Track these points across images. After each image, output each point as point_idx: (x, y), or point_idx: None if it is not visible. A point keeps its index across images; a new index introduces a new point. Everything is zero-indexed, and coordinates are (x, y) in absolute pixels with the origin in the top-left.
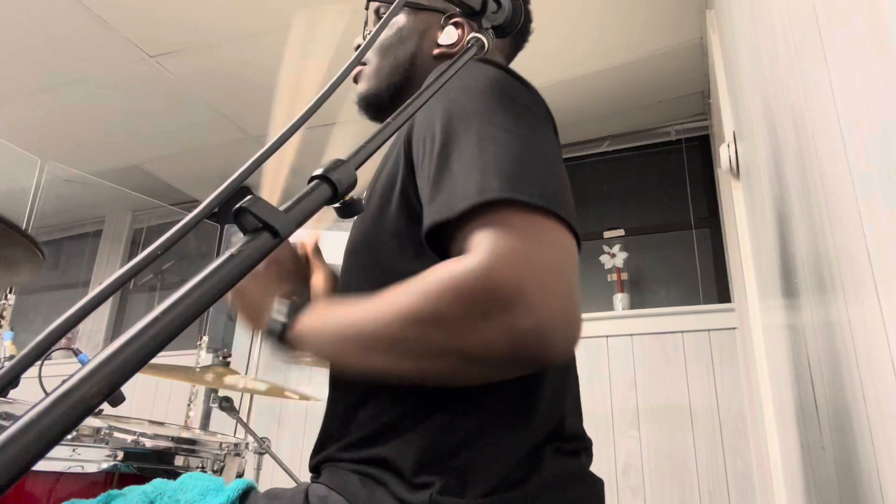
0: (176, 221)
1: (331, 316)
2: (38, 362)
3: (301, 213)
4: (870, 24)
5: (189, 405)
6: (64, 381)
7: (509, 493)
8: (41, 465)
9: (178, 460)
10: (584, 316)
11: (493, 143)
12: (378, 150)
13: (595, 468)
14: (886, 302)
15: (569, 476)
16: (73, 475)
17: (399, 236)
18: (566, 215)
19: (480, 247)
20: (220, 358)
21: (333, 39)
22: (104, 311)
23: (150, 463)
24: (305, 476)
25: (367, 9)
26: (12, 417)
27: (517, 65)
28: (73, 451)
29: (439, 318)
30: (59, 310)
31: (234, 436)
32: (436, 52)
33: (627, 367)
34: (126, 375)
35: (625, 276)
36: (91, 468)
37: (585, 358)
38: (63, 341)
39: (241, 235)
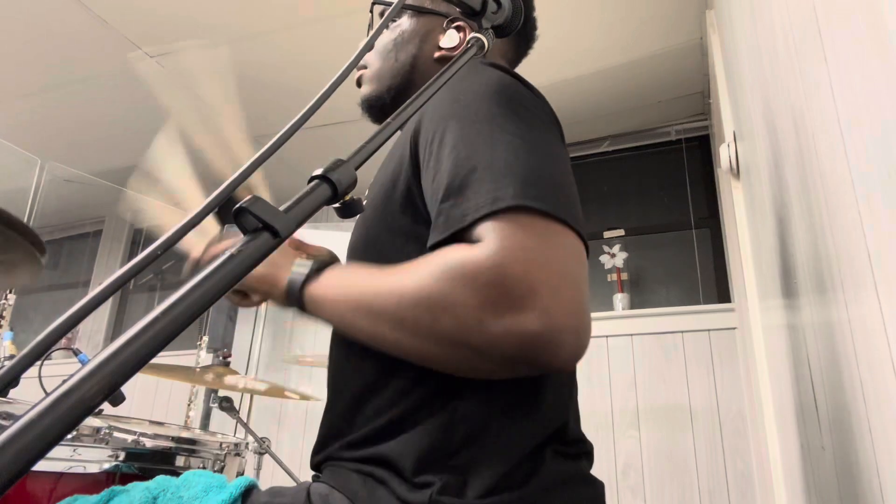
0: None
1: (348, 280)
2: (38, 362)
3: (301, 213)
4: (870, 24)
5: (189, 405)
6: (64, 381)
7: (509, 493)
8: (43, 465)
9: (180, 460)
10: None
11: (503, 150)
12: (378, 149)
13: (595, 468)
14: (886, 302)
15: (569, 478)
16: (74, 475)
17: (403, 234)
18: (575, 223)
19: (492, 238)
20: (220, 358)
21: (216, 72)
22: (104, 311)
23: (151, 463)
24: (305, 476)
25: (371, 11)
26: (12, 417)
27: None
28: (74, 451)
29: (449, 305)
30: (59, 310)
31: (234, 436)
32: (437, 55)
33: (627, 367)
34: (126, 375)
35: (625, 276)
36: (93, 468)
37: (585, 358)
38: (63, 341)
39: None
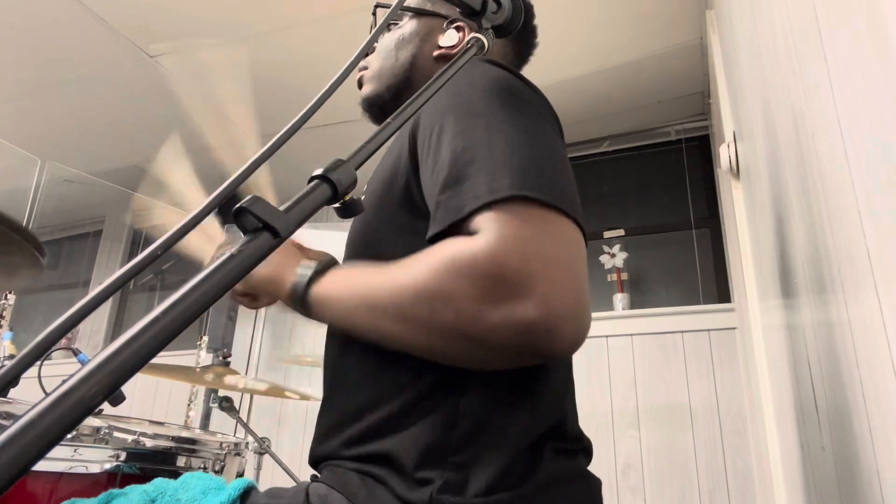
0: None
1: (351, 280)
2: (38, 362)
3: (301, 213)
4: (870, 24)
5: (189, 405)
6: (64, 381)
7: (509, 492)
8: (44, 466)
9: (181, 461)
10: None
11: (500, 141)
12: (378, 149)
13: (595, 468)
14: (886, 302)
15: (567, 476)
16: (75, 475)
17: (401, 229)
18: (572, 211)
19: (488, 230)
20: (220, 358)
21: (235, 72)
22: (104, 311)
23: (152, 463)
24: (306, 475)
25: (374, 14)
26: (12, 417)
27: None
28: (75, 451)
29: (447, 297)
30: (59, 310)
31: (234, 436)
32: (436, 53)
33: (627, 367)
34: (126, 375)
35: (625, 276)
36: (94, 469)
37: (585, 358)
38: (63, 341)
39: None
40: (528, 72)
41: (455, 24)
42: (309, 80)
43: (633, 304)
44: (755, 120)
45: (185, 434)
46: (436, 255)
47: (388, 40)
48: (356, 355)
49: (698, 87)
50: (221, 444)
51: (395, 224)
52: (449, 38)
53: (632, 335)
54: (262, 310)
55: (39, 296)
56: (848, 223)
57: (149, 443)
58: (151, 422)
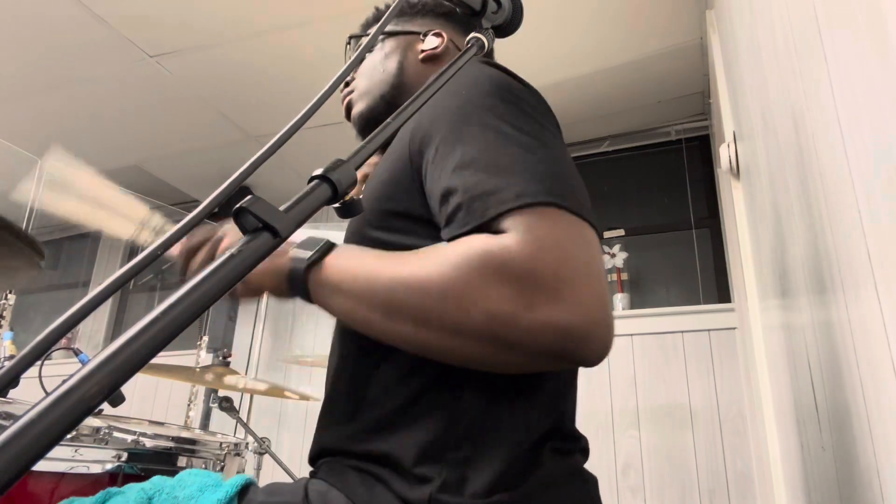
0: (176, 221)
1: (358, 268)
2: (38, 362)
3: (301, 213)
4: (870, 24)
5: (189, 405)
6: (64, 381)
7: (508, 492)
8: (45, 466)
9: (182, 461)
10: None
11: (516, 147)
12: (378, 150)
13: (595, 468)
14: (886, 302)
15: (567, 475)
16: (76, 476)
17: (399, 231)
18: (592, 218)
19: (519, 229)
20: (220, 358)
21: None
22: (104, 311)
23: (153, 464)
24: (305, 475)
25: (348, 44)
26: (12, 417)
27: (517, 65)
28: (76, 451)
29: (479, 297)
30: (59, 310)
31: (234, 436)
32: (422, 56)
33: (627, 367)
34: (126, 375)
35: (625, 276)
36: (96, 469)
37: None
38: (63, 341)
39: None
40: (528, 72)
41: (433, 32)
42: (309, 81)
43: (633, 304)
44: (755, 120)
45: (185, 434)
46: (460, 251)
47: (370, 62)
48: (356, 352)
49: (698, 87)
50: (221, 444)
51: (393, 225)
52: (430, 43)
53: (632, 335)
54: (262, 310)
55: (39, 296)
56: (848, 223)
57: (149, 443)
58: (151, 422)
